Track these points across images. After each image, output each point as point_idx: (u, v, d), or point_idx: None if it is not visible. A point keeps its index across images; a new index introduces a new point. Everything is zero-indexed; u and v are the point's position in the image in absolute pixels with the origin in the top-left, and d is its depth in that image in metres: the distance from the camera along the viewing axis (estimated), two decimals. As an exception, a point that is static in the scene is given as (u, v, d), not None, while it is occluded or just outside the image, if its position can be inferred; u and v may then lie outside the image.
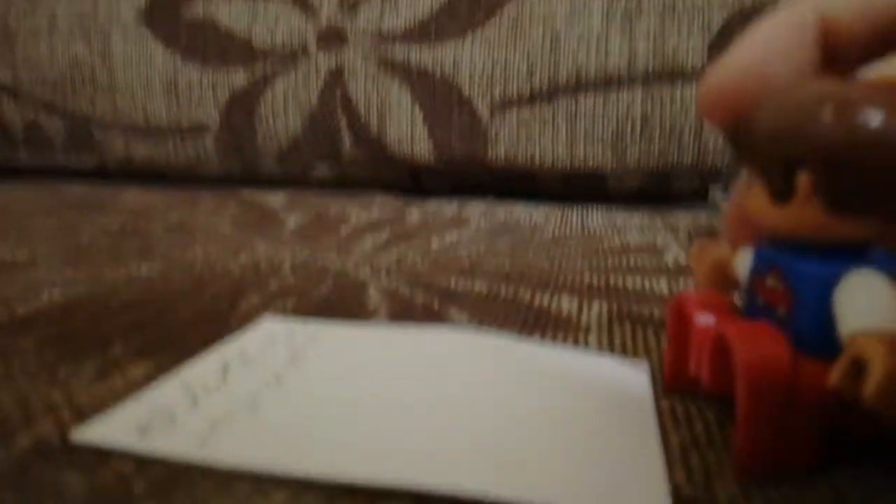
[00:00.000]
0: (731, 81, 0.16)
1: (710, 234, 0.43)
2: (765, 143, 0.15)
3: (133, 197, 0.58)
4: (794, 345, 0.15)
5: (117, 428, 0.16)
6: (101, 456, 0.15)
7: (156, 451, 0.15)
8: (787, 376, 0.14)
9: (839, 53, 0.16)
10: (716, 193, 0.38)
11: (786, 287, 0.15)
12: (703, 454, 0.16)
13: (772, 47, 0.16)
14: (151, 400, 0.18)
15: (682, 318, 0.18)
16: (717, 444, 0.16)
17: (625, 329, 0.24)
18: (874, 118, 0.13)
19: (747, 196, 0.16)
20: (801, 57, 0.15)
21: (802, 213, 0.14)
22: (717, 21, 0.55)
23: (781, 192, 0.14)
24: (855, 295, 0.14)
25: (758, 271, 0.16)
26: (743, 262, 0.17)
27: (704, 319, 0.17)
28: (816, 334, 0.14)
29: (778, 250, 0.16)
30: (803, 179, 0.14)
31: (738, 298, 0.18)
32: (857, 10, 0.15)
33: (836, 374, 0.13)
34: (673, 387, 0.19)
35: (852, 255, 0.14)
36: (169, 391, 0.18)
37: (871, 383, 0.12)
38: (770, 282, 0.16)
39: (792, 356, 0.14)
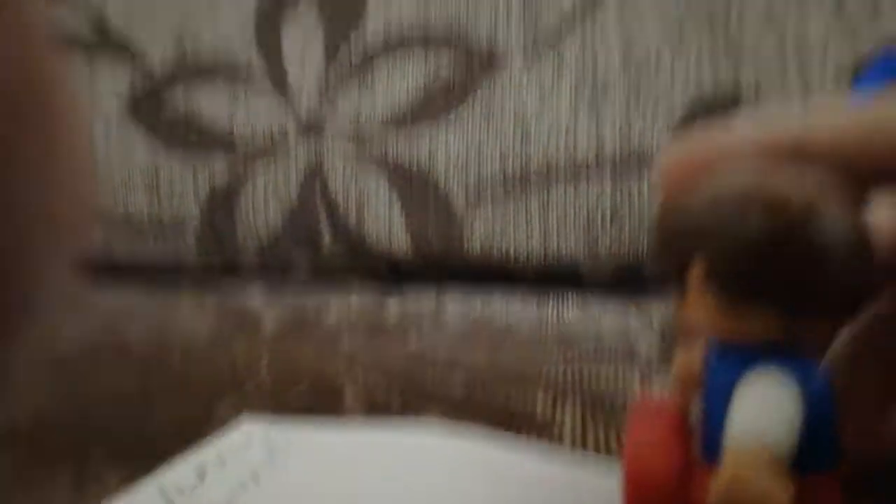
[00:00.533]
0: (681, 152, 0.16)
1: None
2: (675, 239, 0.15)
3: (112, 298, 0.57)
4: (705, 450, 0.14)
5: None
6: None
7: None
8: (670, 488, 0.13)
9: None
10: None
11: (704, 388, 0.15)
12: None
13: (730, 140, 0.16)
14: (128, 508, 0.18)
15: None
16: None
17: (598, 427, 0.25)
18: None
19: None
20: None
21: (704, 310, 0.14)
22: (680, 104, 0.57)
23: (677, 288, 0.14)
24: (744, 399, 0.13)
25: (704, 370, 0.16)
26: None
27: (638, 426, 0.16)
28: (717, 440, 0.13)
29: (712, 348, 0.15)
30: (696, 271, 0.14)
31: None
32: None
33: (712, 493, 0.12)
34: None
35: (775, 353, 0.14)
36: (144, 496, 0.18)
37: (712, 489, 0.12)
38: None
39: (680, 467, 0.14)
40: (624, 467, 0.14)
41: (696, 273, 0.14)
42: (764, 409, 0.13)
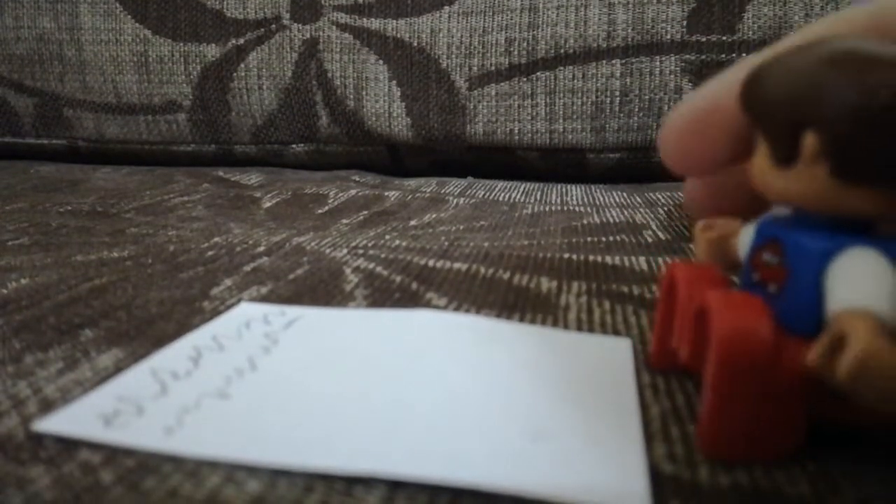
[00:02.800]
0: (682, 121, 0.17)
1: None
2: (772, 102, 0.14)
3: (104, 177, 0.56)
4: (783, 322, 0.14)
5: (81, 418, 0.16)
6: (68, 448, 0.15)
7: (120, 442, 0.15)
8: (766, 353, 0.13)
9: None
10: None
11: (781, 262, 0.15)
12: (685, 427, 0.16)
13: (721, 91, 0.17)
14: (118, 389, 0.17)
15: (671, 291, 0.17)
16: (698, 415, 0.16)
17: (604, 307, 0.24)
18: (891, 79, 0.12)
19: (751, 162, 0.15)
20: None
21: (807, 180, 0.13)
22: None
23: (785, 155, 0.14)
24: (848, 271, 0.13)
25: (757, 246, 0.16)
26: (744, 239, 0.16)
27: (689, 290, 0.16)
28: (807, 313, 0.14)
29: (780, 224, 0.15)
30: (809, 142, 0.13)
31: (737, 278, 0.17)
32: None
33: (814, 352, 0.13)
34: (658, 363, 0.18)
35: (857, 233, 0.14)
36: (137, 379, 0.18)
37: (844, 362, 0.12)
38: (766, 256, 0.15)
39: (774, 332, 0.13)
40: (714, 324, 0.14)
41: (809, 143, 0.13)
42: (873, 280, 0.13)
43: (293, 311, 0.23)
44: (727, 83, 0.17)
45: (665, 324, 0.18)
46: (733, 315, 0.14)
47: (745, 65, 0.17)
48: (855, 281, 0.13)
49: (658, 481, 0.14)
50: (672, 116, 0.17)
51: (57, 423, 0.15)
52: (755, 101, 0.15)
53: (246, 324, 0.22)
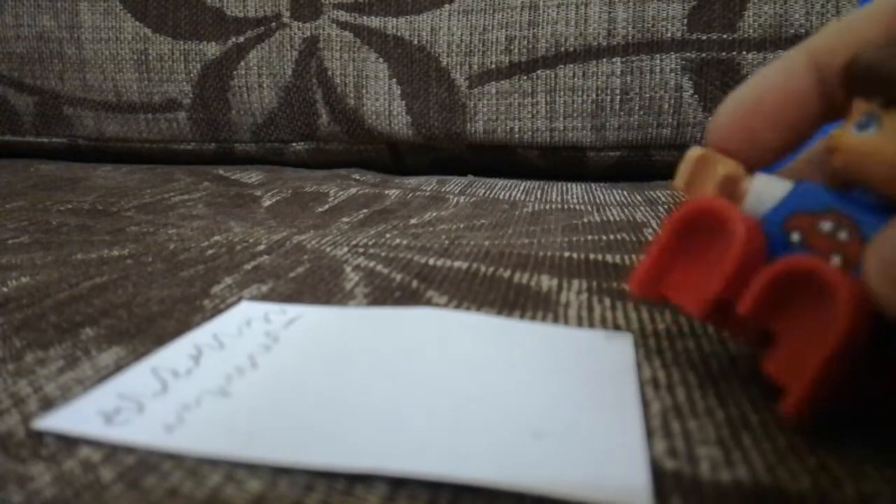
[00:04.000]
0: (729, 116, 0.18)
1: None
2: (871, 78, 0.15)
3: (105, 175, 0.56)
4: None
5: (82, 416, 0.16)
6: (68, 445, 0.15)
7: (121, 439, 0.15)
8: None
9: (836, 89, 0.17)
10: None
11: (855, 238, 0.15)
12: (686, 423, 0.16)
13: (765, 84, 0.17)
14: (119, 386, 0.17)
15: (692, 226, 0.17)
16: (698, 410, 0.16)
17: (604, 304, 0.24)
18: None
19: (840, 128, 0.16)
20: (790, 87, 0.17)
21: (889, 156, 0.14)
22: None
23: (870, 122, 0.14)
24: None
25: (802, 209, 0.16)
26: (768, 191, 0.16)
27: (752, 244, 0.16)
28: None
29: (838, 197, 0.15)
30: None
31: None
32: (841, 53, 0.16)
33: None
34: (642, 290, 0.18)
35: None
36: (137, 377, 0.18)
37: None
38: (826, 226, 0.15)
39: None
40: (842, 300, 0.14)
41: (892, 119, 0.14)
42: None
43: (294, 309, 0.23)
44: (778, 72, 0.17)
45: (668, 254, 0.17)
46: (862, 293, 0.14)
47: (793, 54, 0.17)
48: None
49: (659, 477, 0.14)
50: (725, 104, 0.18)
51: (57, 421, 0.15)
52: (855, 80, 0.15)
53: (247, 322, 0.22)
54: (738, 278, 0.16)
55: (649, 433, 0.15)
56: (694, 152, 0.18)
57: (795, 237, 0.16)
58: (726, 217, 0.16)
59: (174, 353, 0.19)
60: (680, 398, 0.17)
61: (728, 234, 0.16)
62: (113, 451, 0.15)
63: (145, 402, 0.16)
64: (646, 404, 0.17)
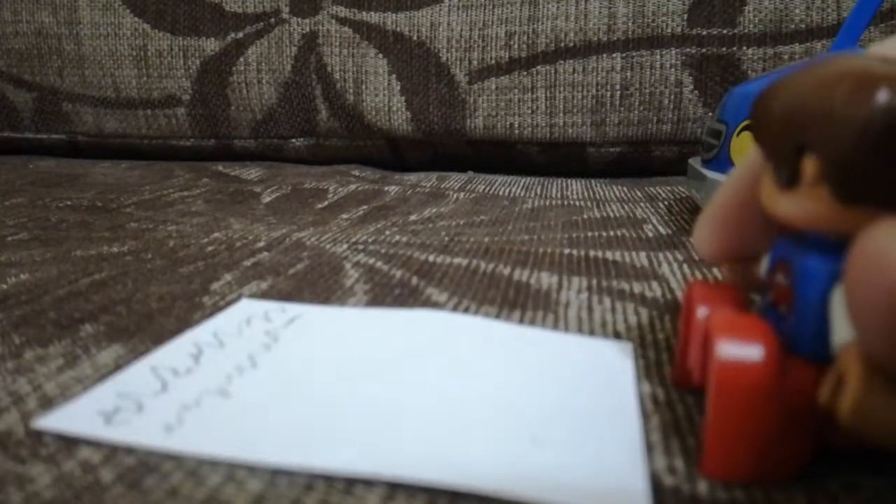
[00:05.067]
0: (705, 236, 0.18)
1: (693, 206, 0.43)
2: (772, 124, 0.13)
3: (104, 172, 0.56)
4: (791, 345, 0.13)
5: (81, 415, 0.16)
6: (68, 445, 0.15)
7: (120, 440, 0.15)
8: (765, 380, 0.13)
9: None
10: (695, 165, 0.38)
11: (789, 283, 0.14)
12: (685, 440, 0.16)
13: (725, 194, 0.17)
14: (118, 386, 0.17)
15: (690, 309, 0.17)
16: (697, 427, 0.16)
17: (604, 305, 0.24)
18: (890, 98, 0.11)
19: (760, 184, 0.15)
20: (746, 194, 0.17)
21: (810, 202, 0.13)
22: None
23: (787, 177, 0.13)
24: None
25: (771, 266, 0.15)
26: (766, 258, 0.16)
27: (702, 310, 0.16)
28: (812, 335, 0.13)
29: (792, 244, 0.14)
30: (809, 164, 0.13)
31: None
32: None
33: (823, 391, 0.12)
34: (677, 381, 0.18)
35: None
36: (137, 376, 0.18)
37: (842, 406, 0.12)
38: (778, 277, 0.15)
39: (776, 357, 0.13)
40: (713, 348, 0.13)
41: (811, 168, 0.13)
42: None
43: (294, 308, 0.23)
44: (735, 179, 0.17)
45: (685, 342, 0.17)
46: (733, 340, 0.13)
47: (748, 156, 0.17)
48: None
49: (658, 493, 0.14)
50: (700, 223, 0.18)
51: (57, 421, 0.15)
52: (758, 124, 0.14)
53: (247, 320, 0.22)
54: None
55: (648, 448, 0.15)
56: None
57: (770, 296, 0.15)
58: (689, 298, 0.17)
59: (174, 352, 0.19)
60: (679, 415, 0.17)
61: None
62: (113, 451, 0.15)
63: (145, 401, 0.16)
64: (645, 418, 0.17)
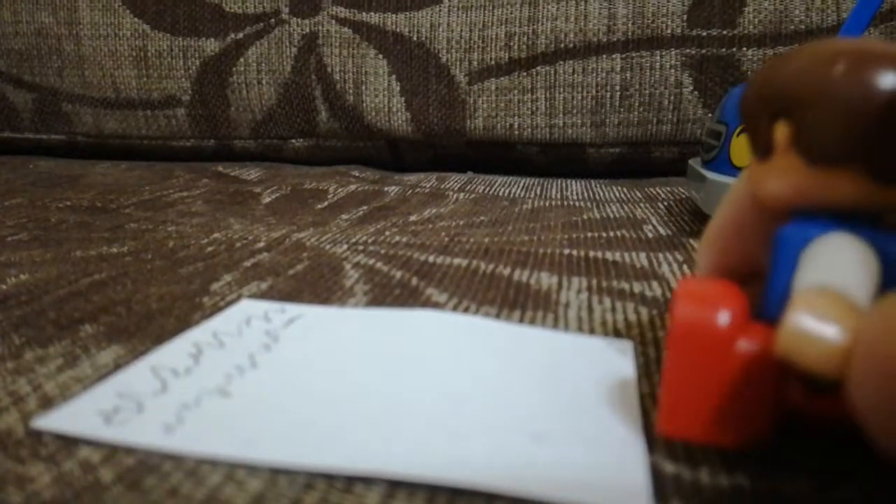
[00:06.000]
0: (709, 242, 0.18)
1: (692, 206, 0.43)
2: (752, 96, 0.14)
3: (104, 172, 0.56)
4: (768, 312, 0.14)
5: (81, 415, 0.16)
6: (68, 445, 0.15)
7: (120, 440, 0.15)
8: (718, 335, 0.13)
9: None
10: (695, 166, 0.38)
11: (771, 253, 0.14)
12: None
13: (720, 219, 0.18)
14: (118, 385, 0.17)
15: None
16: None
17: (604, 305, 0.24)
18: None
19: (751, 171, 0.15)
20: (740, 216, 0.17)
21: (785, 172, 0.14)
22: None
23: (763, 146, 0.14)
24: (818, 254, 0.13)
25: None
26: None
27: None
28: (782, 299, 0.13)
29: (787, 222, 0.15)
30: (781, 130, 0.13)
31: None
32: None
33: (777, 338, 0.12)
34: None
35: (862, 226, 0.13)
36: (137, 376, 0.18)
37: (778, 336, 0.12)
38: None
39: (734, 316, 0.13)
40: (672, 309, 0.14)
41: (782, 134, 0.13)
42: (842, 262, 0.13)
43: (294, 308, 0.23)
44: (728, 204, 0.17)
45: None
46: (690, 299, 0.14)
47: (740, 179, 0.17)
48: (821, 262, 0.13)
49: (659, 481, 0.14)
50: (701, 247, 0.18)
51: (56, 421, 0.15)
52: (741, 103, 0.15)
53: (247, 321, 0.22)
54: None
55: (649, 443, 0.15)
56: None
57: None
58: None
59: (174, 352, 0.19)
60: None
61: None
62: (112, 451, 0.15)
63: (145, 401, 0.16)
64: (645, 414, 0.17)
